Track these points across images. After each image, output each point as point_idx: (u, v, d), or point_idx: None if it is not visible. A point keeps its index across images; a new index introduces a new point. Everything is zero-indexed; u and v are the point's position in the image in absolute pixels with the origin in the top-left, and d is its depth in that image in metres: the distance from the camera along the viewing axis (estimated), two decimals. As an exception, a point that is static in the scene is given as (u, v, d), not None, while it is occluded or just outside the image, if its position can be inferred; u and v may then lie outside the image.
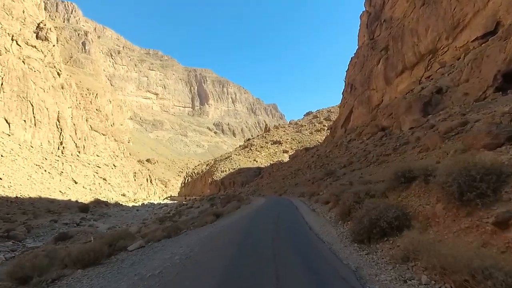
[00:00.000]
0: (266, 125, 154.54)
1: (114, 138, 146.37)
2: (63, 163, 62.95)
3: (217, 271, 5.24)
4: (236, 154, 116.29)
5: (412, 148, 16.65)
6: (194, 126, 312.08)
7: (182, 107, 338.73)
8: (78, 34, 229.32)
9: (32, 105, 65.98)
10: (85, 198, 51.81)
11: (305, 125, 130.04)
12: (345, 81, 63.53)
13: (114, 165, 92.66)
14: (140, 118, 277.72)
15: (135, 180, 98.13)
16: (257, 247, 6.82)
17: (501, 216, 3.82)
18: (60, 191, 46.51)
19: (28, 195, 37.47)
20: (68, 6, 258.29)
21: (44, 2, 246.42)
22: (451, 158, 6.89)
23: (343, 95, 60.84)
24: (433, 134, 14.82)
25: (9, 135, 56.58)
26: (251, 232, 9.02)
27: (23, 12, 77.43)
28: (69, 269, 6.93)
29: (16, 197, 34.40)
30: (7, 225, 22.99)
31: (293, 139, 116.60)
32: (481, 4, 25.87)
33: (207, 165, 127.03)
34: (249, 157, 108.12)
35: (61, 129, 74.35)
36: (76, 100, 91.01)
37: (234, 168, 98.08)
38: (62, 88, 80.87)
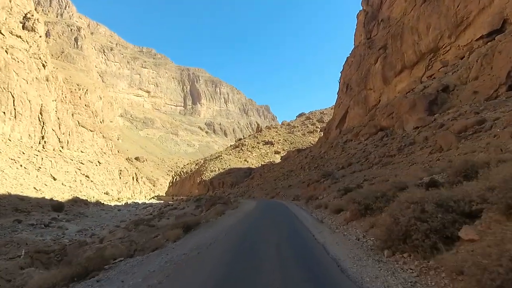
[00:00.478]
0: (258, 125, 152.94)
1: (102, 135, 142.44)
2: (42, 158, 59.53)
3: None
4: (227, 154, 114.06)
5: (420, 148, 14.98)
6: (186, 125, 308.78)
7: (174, 105, 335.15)
8: (71, 30, 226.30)
9: (13, 97, 62.39)
10: (63, 196, 48.75)
11: (297, 126, 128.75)
12: (339, 82, 62.39)
13: (98, 162, 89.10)
14: (131, 116, 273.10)
15: (120, 178, 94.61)
16: None
17: None
18: (35, 188, 43.41)
19: (-3, 191, 34.46)
20: (62, 1, 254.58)
21: None
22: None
23: (338, 95, 59.54)
24: (446, 133, 13.12)
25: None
26: (233, 277, 4.98)
27: (10, 1, 73.85)
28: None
29: (-19, 193, 31.41)
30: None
31: (285, 140, 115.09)
32: (487, 1, 24.55)
33: (196, 164, 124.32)
34: (240, 157, 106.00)
35: (43, 122, 70.73)
36: (62, 94, 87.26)
37: (224, 168, 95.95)
38: (47, 80, 77.17)
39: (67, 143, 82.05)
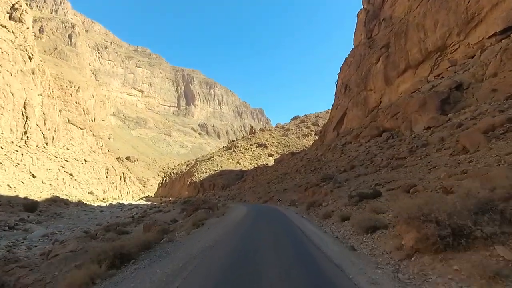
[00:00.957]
0: (252, 127, 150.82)
1: (92, 133, 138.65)
2: (22, 154, 56.20)
3: None
4: (219, 155, 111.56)
5: (436, 150, 12.99)
6: (179, 126, 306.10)
7: (168, 106, 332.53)
8: (65, 27, 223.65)
9: (-5, 89, 59.24)
10: (40, 194, 45.63)
11: (291, 129, 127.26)
12: (336, 84, 60.52)
13: (85, 160, 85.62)
14: (123, 115, 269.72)
15: (107, 177, 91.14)
16: None
17: None
18: (9, 185, 40.32)
19: (-37, 188, 31.40)
20: None
21: None
22: None
23: (336, 97, 57.38)
24: (471, 132, 11.09)
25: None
26: None
27: None
28: None
29: None
30: None
31: (279, 143, 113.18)
32: (500, -4, 22.70)
33: (187, 165, 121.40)
34: (232, 159, 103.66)
35: (27, 117, 67.29)
36: (49, 88, 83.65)
37: (216, 170, 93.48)
38: (33, 73, 73.73)
39: (52, 139, 78.55)
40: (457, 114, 16.62)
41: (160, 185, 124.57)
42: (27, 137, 66.48)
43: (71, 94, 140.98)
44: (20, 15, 74.43)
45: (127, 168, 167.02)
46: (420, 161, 12.90)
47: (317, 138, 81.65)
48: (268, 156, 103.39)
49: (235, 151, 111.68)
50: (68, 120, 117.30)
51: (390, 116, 25.13)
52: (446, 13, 26.45)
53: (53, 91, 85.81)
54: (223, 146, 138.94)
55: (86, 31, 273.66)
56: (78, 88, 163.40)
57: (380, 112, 28.76)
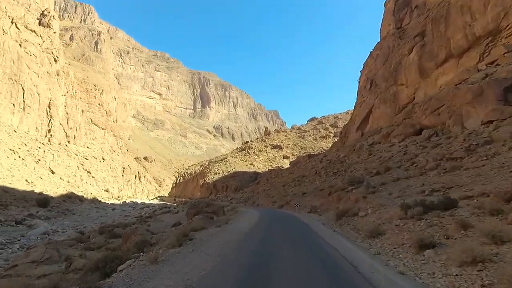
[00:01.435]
0: (266, 128, 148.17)
1: (113, 133, 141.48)
2: (44, 151, 56.58)
3: None
4: (232, 157, 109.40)
5: (509, 148, 10.40)
6: (194, 127, 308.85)
7: (184, 108, 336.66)
8: (92, 34, 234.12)
9: (23, 89, 60.80)
10: (57, 190, 45.22)
11: (308, 131, 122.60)
12: (359, 81, 55.97)
13: (103, 158, 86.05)
14: (143, 117, 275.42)
15: (123, 176, 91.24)
16: None
17: None
18: (27, 180, 39.95)
19: (-21, 181, 30.97)
20: (85, 8, 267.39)
21: (64, 3, 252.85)
22: None
23: (359, 94, 52.61)
24: None
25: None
26: None
27: None
28: None
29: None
30: None
31: (295, 145, 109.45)
32: None
33: (201, 166, 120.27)
34: (246, 161, 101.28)
35: (51, 116, 68.48)
36: (72, 89, 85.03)
37: (229, 171, 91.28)
38: (58, 75, 75.29)
39: (74, 138, 79.57)
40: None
41: (174, 185, 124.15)
42: (51, 135, 67.48)
43: (95, 97, 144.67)
44: (48, 20, 76.41)
45: (144, 168, 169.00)
46: (488, 162, 10.49)
47: (336, 140, 78.42)
48: (283, 158, 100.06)
49: (249, 153, 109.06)
50: (91, 121, 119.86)
51: (430, 112, 22.38)
52: (499, -9, 23.08)
53: (76, 92, 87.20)
54: (237, 147, 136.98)
55: (111, 38, 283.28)
56: (102, 91, 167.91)
57: (416, 108, 25.94)
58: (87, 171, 69.73)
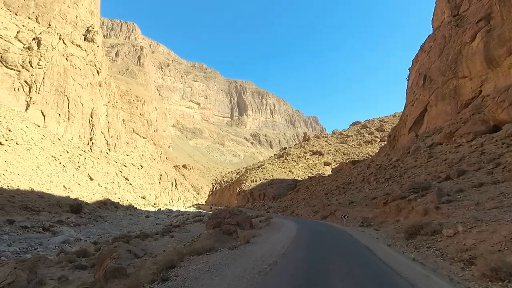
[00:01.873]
0: (305, 134, 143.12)
1: (153, 142, 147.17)
2: (85, 158, 58.71)
3: None
4: (270, 163, 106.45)
5: None
6: (232, 135, 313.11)
7: (222, 117, 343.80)
8: (135, 50, 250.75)
9: (68, 100, 64.59)
10: (93, 196, 45.78)
11: (351, 136, 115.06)
12: (408, 79, 51.79)
13: (141, 165, 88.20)
14: (182, 126, 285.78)
15: (160, 183, 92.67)
16: None
17: None
18: (64, 186, 40.77)
19: (17, 186, 31.56)
20: (129, 26, 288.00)
21: (111, 23, 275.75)
22: None
23: (410, 92, 47.69)
24: None
25: (39, 126, 53.61)
26: None
27: (76, 17, 78.59)
28: None
29: (-1, 188, 28.40)
30: None
31: (337, 151, 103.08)
32: None
33: (237, 173, 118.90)
34: (284, 168, 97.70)
35: (93, 125, 71.80)
36: (114, 99, 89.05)
37: (266, 179, 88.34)
38: (100, 85, 79.30)
39: (114, 146, 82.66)
40: None
41: (210, 192, 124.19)
42: (92, 143, 70.45)
43: (136, 107, 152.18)
44: (93, 36, 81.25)
45: (183, 175, 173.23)
46: None
47: (383, 144, 73.33)
48: (324, 164, 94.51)
49: (287, 159, 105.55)
50: (133, 130, 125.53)
51: (509, 104, 17.64)
52: None
53: (117, 102, 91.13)
54: (274, 154, 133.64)
55: (152, 52, 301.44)
56: (144, 102, 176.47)
57: (488, 101, 20.99)
58: (125, 178, 71.37)
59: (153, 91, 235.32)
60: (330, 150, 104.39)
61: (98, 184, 55.43)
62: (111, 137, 79.99)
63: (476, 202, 9.62)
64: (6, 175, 31.82)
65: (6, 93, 49.69)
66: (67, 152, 53.46)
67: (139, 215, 48.54)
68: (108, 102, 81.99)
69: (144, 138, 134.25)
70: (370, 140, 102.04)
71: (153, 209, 63.48)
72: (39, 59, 56.49)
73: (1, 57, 49.71)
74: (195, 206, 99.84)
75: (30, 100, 53.97)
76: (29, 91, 54.40)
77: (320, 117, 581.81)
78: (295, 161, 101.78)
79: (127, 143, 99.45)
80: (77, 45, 71.63)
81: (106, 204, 48.21)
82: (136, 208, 57.88)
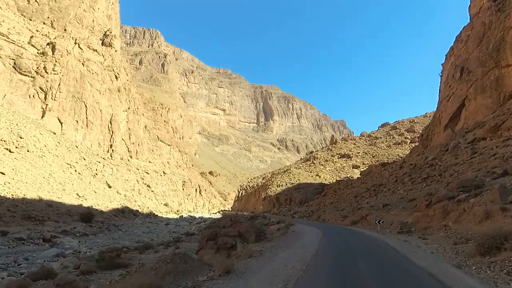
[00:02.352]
0: (333, 136, 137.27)
1: (178, 149, 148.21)
2: (104, 166, 57.96)
3: None
4: (296, 168, 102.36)
5: None
6: (258, 141, 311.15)
7: (248, 122, 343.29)
8: (159, 57, 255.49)
9: (86, 106, 64.28)
10: (109, 204, 44.18)
11: (380, 137, 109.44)
12: (441, 75, 49.07)
13: (163, 172, 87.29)
14: (208, 133, 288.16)
15: (183, 189, 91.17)
16: None
17: None
18: (78, 194, 39.39)
19: (24, 195, 30.18)
20: (152, 33, 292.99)
21: (134, 31, 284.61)
22: None
23: (444, 87, 44.33)
24: None
25: (55, 134, 53.64)
26: None
27: (93, 21, 79.41)
28: None
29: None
30: None
31: (366, 153, 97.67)
32: None
33: (263, 178, 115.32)
34: (310, 172, 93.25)
35: (112, 131, 71.50)
36: (134, 105, 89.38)
37: (292, 183, 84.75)
38: (119, 91, 79.30)
39: (136, 152, 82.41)
40: None
41: (236, 198, 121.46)
42: (113, 150, 70.05)
43: (161, 115, 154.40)
44: (110, 40, 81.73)
45: (209, 182, 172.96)
46: None
47: (413, 146, 69.71)
48: (352, 168, 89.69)
49: (314, 163, 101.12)
50: (158, 138, 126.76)
51: None
52: None
53: (137, 108, 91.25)
54: (301, 158, 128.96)
55: (176, 59, 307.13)
56: (168, 109, 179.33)
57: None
58: (147, 185, 70.25)
59: (178, 99, 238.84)
60: (359, 152, 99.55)
61: (117, 192, 54.27)
62: (133, 143, 79.73)
63: None
64: (12, 184, 30.60)
65: (21, 100, 49.82)
66: (84, 159, 52.78)
67: (159, 223, 46.46)
68: (128, 108, 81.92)
69: (169, 145, 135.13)
70: (400, 141, 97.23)
71: (175, 217, 61.50)
72: (54, 65, 56.29)
73: (15, 63, 49.60)
74: (221, 212, 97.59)
75: (46, 107, 53.81)
76: (45, 97, 54.19)
77: (347, 121, 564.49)
78: (322, 165, 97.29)
79: (152, 150, 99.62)
80: (93, 50, 71.71)
81: (123, 212, 46.56)
82: (157, 215, 56.06)
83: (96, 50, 73.44)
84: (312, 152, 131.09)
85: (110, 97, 74.05)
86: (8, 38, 49.93)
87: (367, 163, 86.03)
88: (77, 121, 60.84)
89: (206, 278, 6.12)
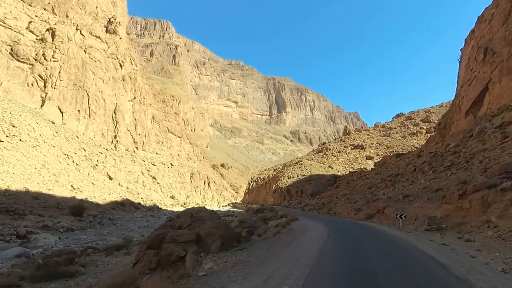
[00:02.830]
0: (346, 127, 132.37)
1: (189, 141, 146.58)
2: (106, 156, 55.97)
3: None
4: (308, 159, 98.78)
5: None
6: (271, 134, 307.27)
7: (260, 115, 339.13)
8: (170, 48, 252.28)
9: (88, 95, 62.16)
10: (108, 197, 42.09)
11: (395, 128, 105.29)
12: (460, 60, 47.96)
13: (171, 164, 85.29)
14: (220, 125, 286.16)
15: (191, 181, 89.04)
16: None
17: None
18: (72, 186, 37.31)
19: (8, 186, 28.11)
20: (163, 24, 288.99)
21: (145, 22, 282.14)
22: None
23: (466, 70, 41.77)
24: None
25: (54, 123, 51.91)
26: None
27: (96, 7, 76.99)
28: None
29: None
30: None
31: (380, 144, 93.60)
32: None
33: (274, 170, 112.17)
34: (323, 163, 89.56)
35: (116, 122, 69.44)
36: (141, 95, 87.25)
37: (304, 175, 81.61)
38: (123, 80, 77.00)
39: (143, 144, 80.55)
40: None
41: (246, 191, 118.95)
42: (117, 141, 68.09)
43: (171, 107, 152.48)
44: (115, 27, 79.30)
45: (221, 174, 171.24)
46: None
47: (429, 136, 67.68)
48: (366, 159, 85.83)
49: (326, 154, 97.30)
50: (168, 130, 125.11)
51: None
52: None
53: (144, 98, 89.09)
54: (313, 149, 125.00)
55: (188, 50, 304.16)
56: (179, 101, 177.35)
57: None
58: (152, 177, 68.25)
59: (190, 91, 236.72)
60: (372, 143, 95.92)
61: (119, 184, 52.28)
62: (139, 134, 77.74)
63: None
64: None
65: (19, 88, 47.94)
66: (84, 149, 50.79)
67: (161, 216, 44.11)
68: (134, 98, 79.70)
69: (179, 137, 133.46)
70: (415, 132, 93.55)
71: (181, 209, 59.25)
72: (54, 52, 53.96)
73: (12, 49, 47.40)
74: (231, 205, 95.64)
75: (45, 96, 51.77)
76: (44, 86, 52.08)
77: (361, 113, 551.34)
78: (335, 156, 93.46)
79: (162, 142, 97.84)
80: (96, 37, 69.16)
81: (123, 205, 44.41)
82: (161, 208, 53.89)
83: (99, 37, 71.04)
84: (324, 143, 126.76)
85: (114, 86, 71.87)
86: (5, 23, 47.99)
87: (381, 154, 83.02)
88: (79, 111, 58.83)
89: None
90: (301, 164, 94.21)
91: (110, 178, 51.29)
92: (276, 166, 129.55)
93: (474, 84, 36.24)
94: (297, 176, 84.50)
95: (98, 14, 76.71)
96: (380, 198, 22.35)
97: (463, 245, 8.22)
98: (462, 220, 12.43)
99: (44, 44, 53.86)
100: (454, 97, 48.11)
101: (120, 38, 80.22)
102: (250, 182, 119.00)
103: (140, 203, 49.36)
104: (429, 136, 70.38)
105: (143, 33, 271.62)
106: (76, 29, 62.71)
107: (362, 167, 77.57)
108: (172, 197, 68.59)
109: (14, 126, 37.66)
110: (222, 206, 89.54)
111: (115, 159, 58.26)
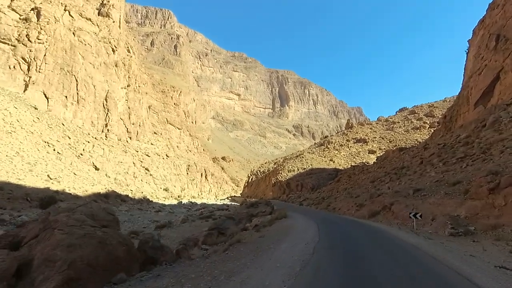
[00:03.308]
0: (348, 120, 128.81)
1: (189, 133, 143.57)
2: (93, 146, 52.95)
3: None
4: (309, 152, 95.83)
5: None
6: (273, 127, 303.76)
7: (263, 108, 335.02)
8: (171, 38, 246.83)
9: (76, 80, 58.78)
10: (91, 188, 39.09)
11: (398, 122, 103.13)
12: (467, 51, 46.43)
13: (166, 155, 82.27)
14: (222, 118, 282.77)
15: (187, 174, 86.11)
16: None
17: None
18: (49, 176, 34.33)
19: (-31, 174, 25.07)
20: (165, 13, 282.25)
21: (146, 10, 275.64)
22: None
23: (475, 59, 39.39)
24: None
25: (37, 109, 48.85)
26: None
27: None
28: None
29: None
30: None
31: (383, 138, 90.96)
32: None
33: (274, 163, 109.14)
34: (324, 156, 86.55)
35: (108, 109, 66.15)
36: (135, 83, 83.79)
37: (305, 168, 78.87)
38: (116, 66, 73.46)
39: (137, 133, 77.52)
40: None
41: (245, 184, 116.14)
42: (108, 130, 64.94)
43: (171, 97, 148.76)
44: (108, 10, 75.62)
45: (222, 167, 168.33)
46: None
47: (432, 130, 66.90)
48: (368, 153, 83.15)
49: (328, 148, 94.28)
50: (167, 121, 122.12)
51: None
52: None
53: (139, 86, 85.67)
54: (315, 143, 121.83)
55: (190, 41, 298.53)
56: (180, 92, 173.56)
57: None
58: (145, 168, 65.27)
59: (191, 82, 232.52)
60: (375, 137, 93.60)
61: (106, 174, 49.33)
62: (133, 124, 74.59)
63: None
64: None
65: (0, 71, 44.84)
66: (69, 137, 47.77)
67: (149, 210, 41.14)
68: (128, 85, 76.28)
69: (179, 129, 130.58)
70: (418, 126, 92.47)
71: (173, 203, 56.40)
72: (39, 33, 50.50)
73: (-10, 29, 44.53)
74: (230, 198, 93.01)
75: (29, 80, 48.51)
76: (28, 69, 48.78)
77: (364, 109, 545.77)
78: (337, 150, 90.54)
79: (160, 133, 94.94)
80: (87, 19, 65.34)
81: (108, 197, 41.33)
82: (151, 201, 50.94)
83: (90, 19, 67.22)
84: (326, 136, 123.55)
85: (105, 72, 68.40)
86: (-17, 1, 44.75)
87: (384, 148, 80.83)
88: (66, 97, 55.54)
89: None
90: (302, 157, 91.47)
91: (96, 169, 48.31)
92: (276, 159, 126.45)
93: (485, 73, 34.01)
94: (298, 170, 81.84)
95: (91, -4, 72.98)
96: (385, 193, 19.11)
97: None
98: (496, 221, 9.50)
99: (28, 25, 50.45)
100: (460, 89, 46.09)
101: (114, 22, 76.40)
102: (249, 175, 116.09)
103: (128, 196, 46.34)
104: (432, 130, 69.73)
105: (144, 22, 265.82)
106: (65, 10, 59.09)
107: (364, 161, 75.25)
108: (166, 190, 65.68)
109: (-15, 110, 34.71)
110: (220, 199, 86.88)
111: (103, 149, 55.25)
